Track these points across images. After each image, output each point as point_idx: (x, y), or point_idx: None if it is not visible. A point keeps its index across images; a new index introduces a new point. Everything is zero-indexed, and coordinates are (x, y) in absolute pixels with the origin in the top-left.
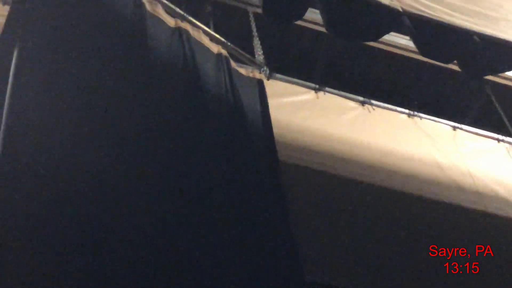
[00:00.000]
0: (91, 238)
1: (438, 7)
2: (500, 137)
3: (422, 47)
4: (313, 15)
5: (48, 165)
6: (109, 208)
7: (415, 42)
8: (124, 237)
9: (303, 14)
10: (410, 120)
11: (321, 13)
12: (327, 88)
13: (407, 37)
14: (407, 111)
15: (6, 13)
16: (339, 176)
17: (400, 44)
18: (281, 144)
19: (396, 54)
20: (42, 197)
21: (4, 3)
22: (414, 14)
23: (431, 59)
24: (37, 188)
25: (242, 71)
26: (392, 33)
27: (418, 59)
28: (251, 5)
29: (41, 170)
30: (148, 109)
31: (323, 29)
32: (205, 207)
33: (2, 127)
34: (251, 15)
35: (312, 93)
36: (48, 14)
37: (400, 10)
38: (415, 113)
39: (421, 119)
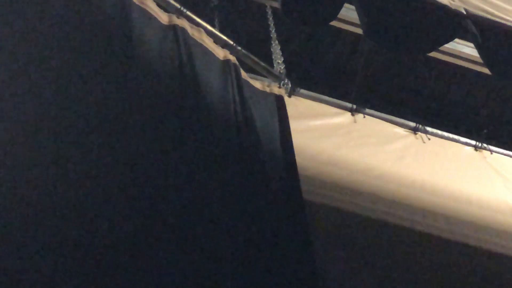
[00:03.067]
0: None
1: None
2: None
3: (491, 62)
4: (351, 13)
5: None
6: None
7: (482, 56)
8: None
9: (337, 13)
10: (477, 154)
11: (359, 15)
12: (367, 110)
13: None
14: (473, 142)
15: None
16: (382, 222)
17: (465, 53)
18: (307, 178)
19: (459, 66)
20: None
21: None
22: (482, 18)
23: (502, 79)
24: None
25: (257, 84)
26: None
27: (490, 74)
28: None
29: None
30: (132, 127)
31: None
32: (213, 252)
33: None
34: (269, 12)
35: (347, 115)
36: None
37: (464, 12)
38: (484, 145)
39: (491, 153)
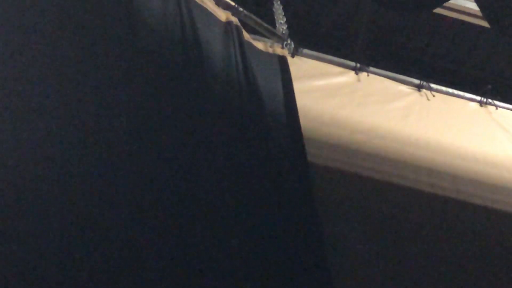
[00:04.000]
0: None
1: None
2: None
3: (490, 16)
4: None
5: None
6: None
7: (482, 10)
8: None
9: None
10: (482, 109)
11: None
12: (371, 68)
13: None
14: (478, 98)
15: None
16: (386, 182)
17: (468, 8)
18: (310, 140)
19: (463, 22)
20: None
21: None
22: None
23: (502, 33)
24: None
25: (259, 45)
26: None
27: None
28: None
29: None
30: (135, 92)
31: None
32: (216, 214)
33: None
34: None
35: (351, 74)
36: None
37: None
38: (489, 100)
39: (496, 108)
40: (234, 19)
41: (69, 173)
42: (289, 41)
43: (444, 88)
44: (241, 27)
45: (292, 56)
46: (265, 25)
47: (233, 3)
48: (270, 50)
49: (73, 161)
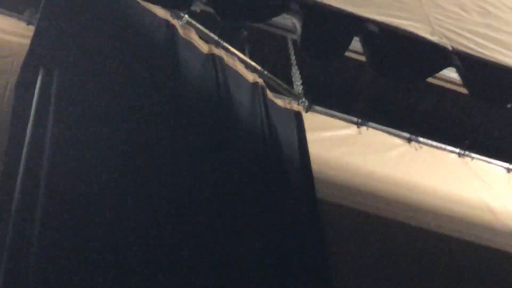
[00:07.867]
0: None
1: (492, 46)
2: None
3: (473, 89)
4: (357, 43)
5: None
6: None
7: (465, 84)
8: None
9: (345, 49)
10: (460, 160)
11: (364, 50)
12: (370, 123)
13: None
14: (457, 150)
15: (30, 33)
16: (381, 217)
17: (451, 78)
18: (320, 180)
19: (446, 88)
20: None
21: (29, 23)
22: (465, 53)
23: (484, 102)
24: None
25: (279, 102)
26: None
27: None
28: (290, 31)
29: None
30: (178, 137)
31: None
32: (237, 248)
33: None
34: (289, 42)
35: (353, 128)
36: (74, 34)
37: (450, 48)
38: (466, 152)
39: (472, 159)
40: (260, 80)
41: None
42: (304, 99)
43: (429, 141)
44: (265, 87)
45: (306, 111)
46: (284, 85)
47: (258, 67)
48: (288, 107)
49: None
